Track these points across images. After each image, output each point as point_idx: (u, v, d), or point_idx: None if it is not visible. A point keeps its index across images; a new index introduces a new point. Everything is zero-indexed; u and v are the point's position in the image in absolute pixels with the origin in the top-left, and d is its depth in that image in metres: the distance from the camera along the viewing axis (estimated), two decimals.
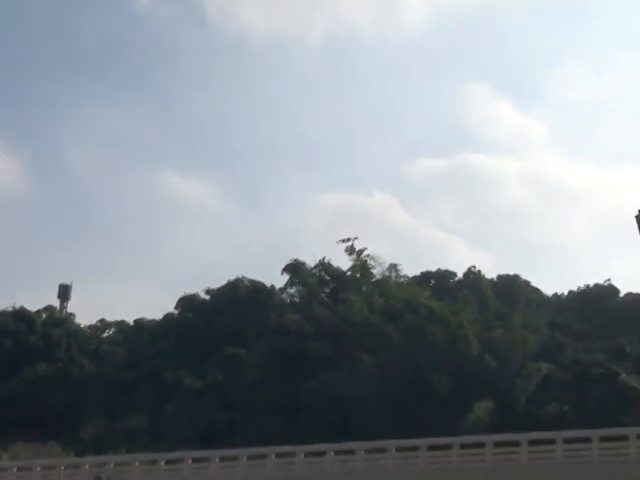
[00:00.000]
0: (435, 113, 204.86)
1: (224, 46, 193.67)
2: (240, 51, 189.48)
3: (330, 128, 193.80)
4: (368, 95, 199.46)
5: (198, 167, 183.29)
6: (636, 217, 45.62)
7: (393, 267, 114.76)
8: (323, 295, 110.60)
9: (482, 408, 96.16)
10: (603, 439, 32.69)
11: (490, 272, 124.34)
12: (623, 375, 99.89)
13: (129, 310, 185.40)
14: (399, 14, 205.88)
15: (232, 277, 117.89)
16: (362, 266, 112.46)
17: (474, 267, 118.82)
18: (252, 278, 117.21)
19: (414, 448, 35.27)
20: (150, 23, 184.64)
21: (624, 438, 32.49)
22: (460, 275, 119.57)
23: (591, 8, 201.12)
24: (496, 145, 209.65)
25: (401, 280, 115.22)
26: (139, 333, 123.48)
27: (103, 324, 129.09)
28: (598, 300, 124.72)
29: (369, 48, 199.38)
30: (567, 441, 33.32)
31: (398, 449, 35.71)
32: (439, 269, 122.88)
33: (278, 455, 36.35)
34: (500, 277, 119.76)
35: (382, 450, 35.52)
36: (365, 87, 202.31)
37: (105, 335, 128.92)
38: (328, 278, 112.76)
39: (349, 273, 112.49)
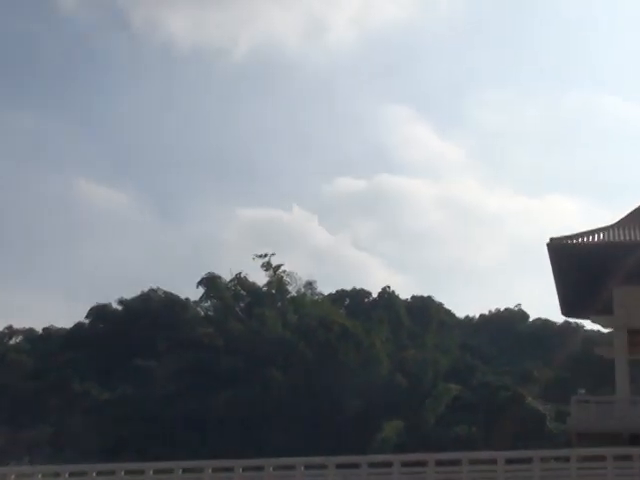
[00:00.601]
0: (356, 133, 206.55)
1: (147, 55, 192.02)
2: (163, 61, 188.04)
3: (251, 143, 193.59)
4: (290, 112, 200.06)
5: (115, 176, 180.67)
6: (548, 245, 46.74)
7: (309, 284, 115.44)
8: (238, 310, 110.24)
9: (392, 427, 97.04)
10: (508, 461, 33.15)
11: (405, 293, 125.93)
12: (529, 399, 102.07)
13: (38, 318, 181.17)
14: (324, 33, 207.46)
15: (146, 288, 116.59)
16: (278, 282, 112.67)
17: (389, 287, 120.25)
18: (167, 290, 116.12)
19: (323, 466, 35.15)
20: (73, 28, 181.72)
21: (528, 460, 33.02)
22: (375, 295, 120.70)
23: (516, 36, 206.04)
24: (414, 167, 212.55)
25: (316, 298, 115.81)
26: (47, 342, 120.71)
27: (10, 331, 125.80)
28: (508, 324, 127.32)
29: (293, 65, 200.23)
30: (473, 462, 33.66)
31: (307, 467, 35.52)
32: (354, 288, 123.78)
33: (185, 470, 35.77)
34: (414, 298, 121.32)
35: (291, 467, 35.30)
36: (288, 104, 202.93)
37: (12, 343, 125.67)
38: (244, 293, 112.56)
39: (265, 289, 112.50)
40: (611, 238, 46.99)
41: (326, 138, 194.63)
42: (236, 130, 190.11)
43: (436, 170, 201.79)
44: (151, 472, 35.12)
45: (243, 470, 35.41)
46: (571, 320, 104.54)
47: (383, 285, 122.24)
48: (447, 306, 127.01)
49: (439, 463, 33.93)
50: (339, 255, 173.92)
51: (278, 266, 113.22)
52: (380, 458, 39.30)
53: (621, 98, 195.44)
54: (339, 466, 35.23)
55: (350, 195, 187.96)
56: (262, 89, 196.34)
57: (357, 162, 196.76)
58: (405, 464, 34.57)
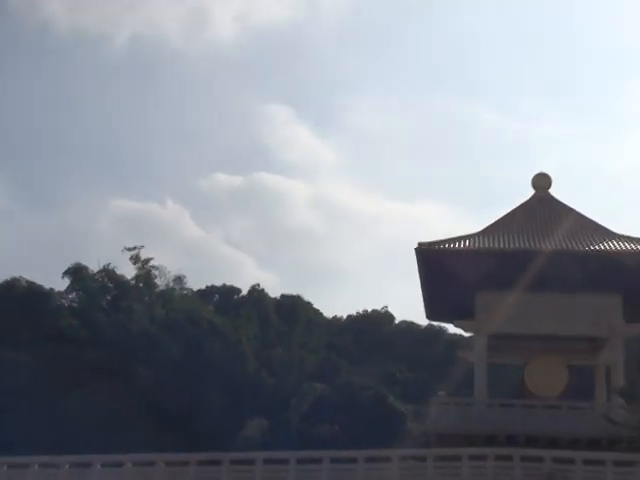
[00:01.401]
0: (236, 129, 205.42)
1: (24, 37, 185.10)
2: (41, 44, 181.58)
3: (128, 133, 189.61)
4: (171, 104, 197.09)
5: None
6: (415, 249, 47.77)
7: (178, 279, 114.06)
8: (104, 302, 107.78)
9: (256, 426, 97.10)
10: (368, 460, 33.74)
11: (275, 291, 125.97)
12: (391, 399, 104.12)
13: None
14: (208, 27, 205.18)
15: (9, 277, 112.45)
16: (146, 276, 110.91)
17: (258, 285, 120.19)
18: (30, 279, 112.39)
19: (185, 463, 34.89)
20: None
21: (388, 459, 33.70)
22: (245, 292, 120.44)
23: (397, 42, 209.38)
24: (291, 167, 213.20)
25: (185, 293, 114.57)
26: None
27: None
28: (374, 326, 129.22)
29: (175, 57, 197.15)
30: (334, 461, 34.10)
31: (167, 463, 35.18)
32: (224, 284, 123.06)
33: (41, 465, 34.85)
34: (284, 297, 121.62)
35: (151, 463, 34.90)
36: (168, 95, 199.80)
37: None
38: (110, 285, 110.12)
39: (133, 282, 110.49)
40: (476, 245, 48.47)
41: (205, 133, 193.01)
42: (114, 119, 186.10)
43: (312, 171, 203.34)
44: (5, 467, 34.08)
45: (102, 466, 34.83)
46: (435, 323, 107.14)
47: (253, 283, 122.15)
48: (316, 306, 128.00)
49: (301, 461, 34.23)
50: (210, 251, 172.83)
51: (147, 260, 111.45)
52: (242, 456, 39.29)
53: (495, 109, 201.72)
54: (200, 463, 35.06)
55: (225, 191, 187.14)
56: (143, 78, 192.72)
57: (235, 159, 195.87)
58: (267, 462, 34.72)
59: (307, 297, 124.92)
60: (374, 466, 33.77)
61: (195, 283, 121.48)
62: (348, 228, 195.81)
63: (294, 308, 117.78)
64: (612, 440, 39.36)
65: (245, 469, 34.61)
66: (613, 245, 47.52)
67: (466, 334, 62.06)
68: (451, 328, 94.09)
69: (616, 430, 38.43)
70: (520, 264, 47.03)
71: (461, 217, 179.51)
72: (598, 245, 47.57)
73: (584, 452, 34.70)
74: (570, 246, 47.66)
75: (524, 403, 46.52)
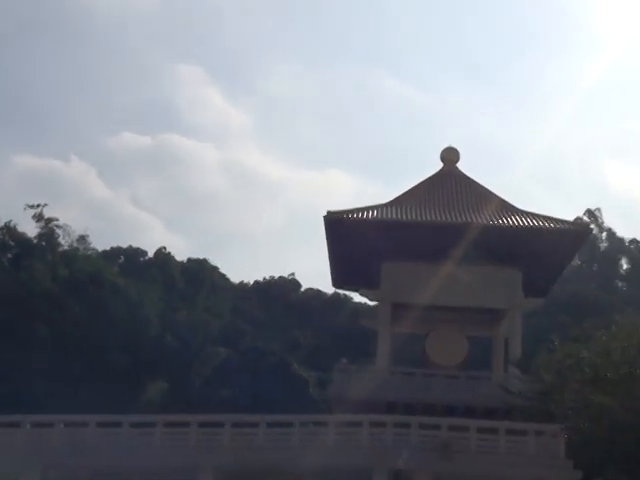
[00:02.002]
0: (146, 88, 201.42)
1: None
2: None
3: (32, 86, 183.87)
4: (79, 58, 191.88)
5: None
6: (324, 218, 48.01)
7: (82, 239, 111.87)
8: (4, 260, 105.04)
9: (157, 388, 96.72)
10: (270, 424, 34.01)
11: (181, 254, 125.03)
12: (295, 365, 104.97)
13: None
14: None
15: None
16: (49, 235, 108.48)
17: (164, 248, 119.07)
18: None
19: (84, 424, 34.56)
20: None
21: (289, 424, 34.04)
22: (151, 254, 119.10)
23: (312, 9, 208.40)
24: (201, 130, 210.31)
25: (89, 253, 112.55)
26: None
27: None
28: (280, 292, 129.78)
29: (84, 9, 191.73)
30: (236, 425, 34.25)
31: (66, 424, 34.80)
32: (130, 246, 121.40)
33: None
34: (190, 260, 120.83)
35: (50, 425, 34.50)
36: (77, 49, 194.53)
37: None
38: (12, 243, 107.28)
39: (35, 241, 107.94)
40: (383, 216, 48.99)
41: (113, 90, 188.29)
42: (17, 72, 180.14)
43: (222, 134, 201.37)
44: None
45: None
46: (341, 292, 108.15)
47: (160, 245, 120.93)
48: (222, 270, 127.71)
49: (202, 425, 34.27)
50: (117, 211, 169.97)
51: (51, 219, 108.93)
52: (143, 418, 39.12)
53: (400, 80, 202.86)
54: (100, 425, 34.79)
55: (133, 151, 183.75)
56: (48, 30, 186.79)
57: (143, 118, 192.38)
58: (168, 425, 34.67)
59: (214, 261, 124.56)
60: (275, 431, 34.04)
61: (100, 244, 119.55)
62: (257, 193, 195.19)
63: (200, 272, 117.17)
64: (507, 409, 40.55)
65: (145, 432, 34.49)
66: (516, 220, 48.67)
67: (371, 303, 62.99)
68: (356, 297, 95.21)
69: (511, 400, 39.53)
70: (425, 236, 47.85)
71: (370, 187, 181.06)
72: (501, 220, 48.67)
73: (479, 420, 35.72)
74: (474, 220, 48.62)
75: (424, 372, 47.52)
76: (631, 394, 33.02)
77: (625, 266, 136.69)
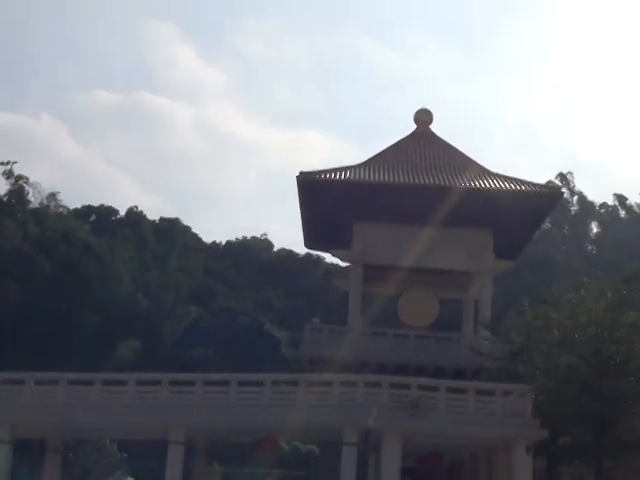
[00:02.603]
0: (117, 45, 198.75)
1: None
2: None
3: (4, 42, 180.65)
4: (50, 15, 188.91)
5: None
6: (297, 178, 47.86)
7: (52, 196, 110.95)
8: None
9: (129, 347, 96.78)
10: (241, 383, 34.15)
11: (154, 214, 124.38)
12: (268, 325, 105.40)
13: None
14: None
15: None
16: (19, 192, 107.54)
17: (136, 207, 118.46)
18: None
19: (53, 381, 34.55)
20: None
21: (260, 384, 34.19)
22: (122, 213, 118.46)
23: None
24: (174, 88, 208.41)
25: (60, 211, 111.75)
26: None
27: None
28: (253, 252, 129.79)
29: None
30: (207, 384, 34.39)
31: (37, 382, 34.79)
32: (102, 205, 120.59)
33: None
34: (162, 220, 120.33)
35: (21, 382, 34.46)
36: (47, 5, 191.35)
37: None
38: None
39: (5, 198, 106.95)
40: (356, 177, 48.94)
41: (84, 46, 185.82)
42: None
43: (197, 93, 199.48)
44: None
45: None
46: (313, 252, 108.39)
47: (132, 204, 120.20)
48: (195, 230, 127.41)
49: (173, 383, 34.37)
50: (89, 169, 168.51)
51: (21, 176, 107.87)
52: (114, 377, 39.17)
53: (376, 41, 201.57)
54: (71, 382, 34.78)
55: (105, 109, 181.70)
56: None
57: (115, 75, 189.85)
58: (139, 383, 34.72)
59: (186, 221, 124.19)
60: (246, 389, 34.20)
61: (71, 202, 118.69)
62: (231, 153, 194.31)
63: (172, 231, 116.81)
64: (476, 370, 41.05)
65: (116, 390, 34.54)
66: (488, 183, 48.84)
67: (343, 264, 63.11)
68: (329, 257, 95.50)
69: (480, 361, 39.99)
70: (397, 197, 47.91)
71: (344, 148, 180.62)
72: (473, 182, 48.78)
73: (448, 381, 36.13)
74: (446, 182, 48.72)
75: (395, 332, 47.85)
76: (598, 355, 33.47)
77: (595, 230, 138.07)
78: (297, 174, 48.15)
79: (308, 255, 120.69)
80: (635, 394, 33.46)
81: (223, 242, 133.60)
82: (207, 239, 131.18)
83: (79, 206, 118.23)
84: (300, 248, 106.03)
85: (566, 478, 44.65)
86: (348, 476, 32.20)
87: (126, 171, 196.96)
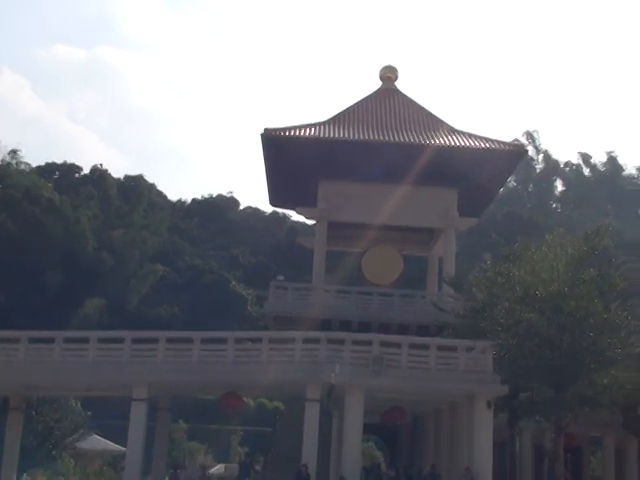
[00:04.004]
0: (79, 1, 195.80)
1: None
2: None
3: None
4: None
5: None
6: (261, 135, 47.40)
7: (13, 153, 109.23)
8: None
9: (93, 305, 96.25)
10: (204, 341, 34.09)
11: (119, 171, 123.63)
12: (233, 283, 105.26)
13: None
14: None
15: None
16: None
17: (101, 165, 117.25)
18: None
19: (16, 340, 34.25)
20: None
21: (224, 341, 34.14)
22: (87, 171, 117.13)
23: None
24: (138, 43, 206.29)
25: (23, 168, 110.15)
26: None
27: None
28: (219, 210, 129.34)
29: None
30: (170, 341, 34.30)
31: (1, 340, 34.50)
32: (65, 162, 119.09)
33: None
34: (127, 177, 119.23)
35: None
36: None
37: None
38: None
39: None
40: (322, 134, 48.63)
41: (45, 0, 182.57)
42: None
43: (162, 48, 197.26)
44: None
45: None
46: (279, 210, 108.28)
47: (96, 162, 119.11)
48: (160, 188, 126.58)
49: (136, 341, 34.22)
50: (52, 126, 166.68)
51: None
52: (77, 334, 38.94)
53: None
54: (33, 341, 34.53)
55: (68, 64, 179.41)
56: None
57: (78, 30, 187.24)
58: (102, 341, 34.55)
59: (152, 179, 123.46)
60: (210, 347, 34.16)
61: (34, 159, 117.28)
62: (197, 109, 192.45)
63: (137, 189, 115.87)
64: (439, 327, 41.32)
65: (79, 347, 34.33)
66: (453, 140, 48.77)
67: (308, 221, 63.03)
68: (295, 215, 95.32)
69: (443, 317, 40.21)
70: (362, 155, 47.78)
71: (310, 104, 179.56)
72: (438, 139, 48.70)
73: (411, 337, 36.34)
74: (411, 139, 48.61)
75: (359, 290, 47.96)
76: (559, 311, 33.79)
77: (560, 188, 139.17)
78: (262, 131, 47.74)
79: (274, 213, 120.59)
80: (594, 349, 33.91)
81: (189, 200, 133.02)
82: (173, 197, 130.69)
83: (42, 163, 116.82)
84: (266, 206, 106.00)
85: (526, 433, 45.48)
86: (311, 432, 32.40)
87: (90, 128, 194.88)
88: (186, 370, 33.16)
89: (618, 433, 46.42)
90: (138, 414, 32.97)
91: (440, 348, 33.01)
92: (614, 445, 48.94)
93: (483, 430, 31.59)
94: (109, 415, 59.23)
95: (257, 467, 46.63)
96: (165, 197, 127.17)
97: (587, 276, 34.40)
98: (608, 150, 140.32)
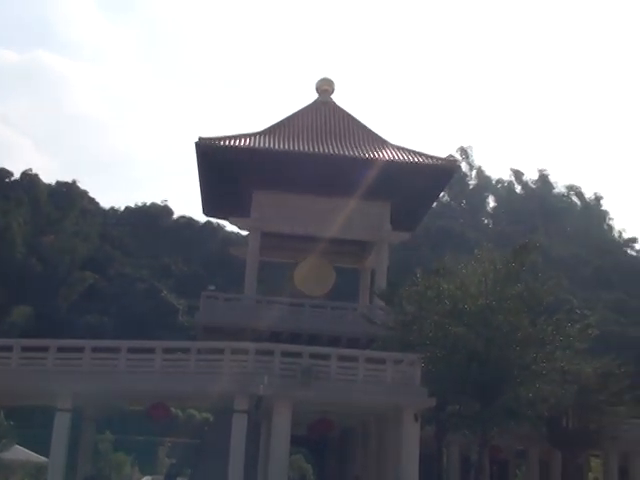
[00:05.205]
0: (15, 3, 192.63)
1: None
2: None
3: None
4: None
5: None
6: (196, 144, 47.11)
7: None
8: None
9: (20, 313, 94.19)
10: (132, 350, 33.61)
11: (51, 177, 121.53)
12: (165, 292, 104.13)
13: None
14: None
15: None
16: None
17: (30, 170, 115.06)
18: None
19: None
20: None
21: (152, 351, 33.68)
22: (17, 176, 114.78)
23: None
24: (76, 48, 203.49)
25: None
26: None
27: None
28: (152, 219, 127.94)
29: None
30: (96, 350, 33.74)
31: None
32: None
33: None
34: (59, 183, 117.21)
35: None
36: None
37: None
38: None
39: None
40: (256, 144, 48.53)
41: None
42: None
43: (100, 54, 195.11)
44: None
45: None
46: (214, 220, 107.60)
47: (28, 166, 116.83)
48: (92, 195, 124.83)
49: (61, 349, 33.58)
50: None
51: None
52: (1, 342, 38.09)
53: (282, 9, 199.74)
54: None
55: (2, 67, 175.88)
56: None
57: (12, 33, 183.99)
58: (26, 349, 33.83)
59: (84, 185, 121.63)
60: (137, 356, 33.68)
61: None
62: (134, 117, 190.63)
63: (69, 195, 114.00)
64: (370, 339, 41.45)
65: (3, 355, 33.56)
66: (387, 154, 49.11)
67: (242, 232, 62.74)
68: (228, 225, 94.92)
69: (374, 330, 40.34)
70: (297, 166, 47.82)
71: (249, 113, 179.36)
72: (372, 153, 48.98)
73: (340, 349, 36.36)
74: (346, 152, 48.79)
75: (291, 301, 47.85)
76: (487, 325, 34.17)
77: (492, 204, 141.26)
78: (196, 140, 47.44)
79: (208, 223, 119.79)
80: (520, 363, 34.37)
81: (122, 208, 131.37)
82: (105, 204, 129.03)
83: None
84: (200, 216, 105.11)
85: (454, 445, 45.89)
86: (238, 443, 32.16)
87: (22, 133, 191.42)
88: (112, 380, 32.61)
89: (542, 446, 47.16)
90: (62, 424, 32.33)
91: (369, 360, 33.12)
92: (538, 457, 49.72)
93: (410, 442, 31.73)
94: (33, 425, 57.97)
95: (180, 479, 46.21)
96: (98, 204, 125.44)
97: (515, 291, 34.87)
98: (540, 168, 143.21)
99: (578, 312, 36.84)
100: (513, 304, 34.36)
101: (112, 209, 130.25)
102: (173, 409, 38.51)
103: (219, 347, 34.32)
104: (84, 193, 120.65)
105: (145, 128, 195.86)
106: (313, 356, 32.74)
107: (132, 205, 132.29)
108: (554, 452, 47.76)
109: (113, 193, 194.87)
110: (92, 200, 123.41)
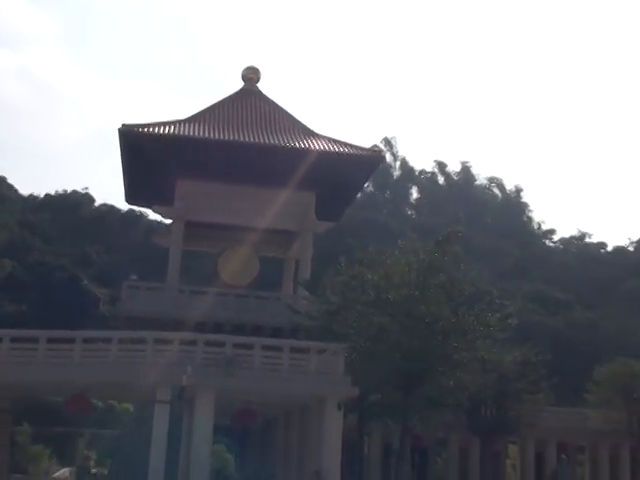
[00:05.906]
0: None
1: None
2: None
3: None
4: None
5: None
6: (119, 130, 46.28)
7: None
8: None
9: None
10: (51, 340, 32.96)
11: None
12: (86, 281, 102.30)
13: None
14: None
15: None
16: None
17: None
18: None
19: None
20: None
21: (72, 341, 33.08)
22: None
23: None
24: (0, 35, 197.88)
25: None
26: None
27: None
28: (73, 206, 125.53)
29: None
30: (15, 340, 33.00)
31: None
32: None
33: None
34: None
35: None
36: None
37: None
38: None
39: None
40: (180, 132, 47.93)
41: None
42: None
43: (21, 40, 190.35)
44: None
45: None
46: (136, 209, 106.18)
47: None
48: (10, 181, 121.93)
49: None
50: None
51: None
52: None
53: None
54: None
55: None
56: None
57: None
58: None
59: (2, 172, 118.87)
60: (56, 347, 33.06)
61: None
62: (55, 104, 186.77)
63: None
64: (294, 329, 41.47)
65: None
66: (311, 144, 49.02)
67: (166, 220, 62.00)
68: (152, 214, 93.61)
69: (298, 320, 40.34)
70: (221, 155, 47.45)
71: (173, 101, 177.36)
72: (297, 142, 48.84)
73: (264, 339, 36.29)
74: (270, 141, 48.55)
75: (215, 291, 47.50)
76: (410, 315, 34.47)
77: (415, 195, 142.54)
78: (119, 126, 46.62)
79: (131, 211, 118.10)
80: (442, 353, 34.79)
81: (42, 195, 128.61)
82: (24, 191, 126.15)
83: None
84: (123, 204, 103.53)
85: (376, 434, 46.34)
86: (160, 433, 31.89)
87: None
88: (29, 371, 31.95)
89: (462, 434, 48.00)
90: None
91: (293, 350, 33.14)
92: (458, 445, 50.58)
93: (333, 431, 31.87)
94: None
95: (94, 470, 45.57)
96: (16, 191, 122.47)
97: (437, 281, 35.25)
98: (463, 160, 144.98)
99: (498, 302, 37.39)
100: (435, 294, 34.74)
101: (32, 196, 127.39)
102: (94, 400, 37.87)
103: (141, 337, 33.93)
104: (2, 179, 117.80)
105: (68, 115, 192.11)
106: (237, 346, 32.63)
107: (52, 193, 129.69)
108: (473, 440, 48.64)
109: (34, 180, 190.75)
110: (11, 187, 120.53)
